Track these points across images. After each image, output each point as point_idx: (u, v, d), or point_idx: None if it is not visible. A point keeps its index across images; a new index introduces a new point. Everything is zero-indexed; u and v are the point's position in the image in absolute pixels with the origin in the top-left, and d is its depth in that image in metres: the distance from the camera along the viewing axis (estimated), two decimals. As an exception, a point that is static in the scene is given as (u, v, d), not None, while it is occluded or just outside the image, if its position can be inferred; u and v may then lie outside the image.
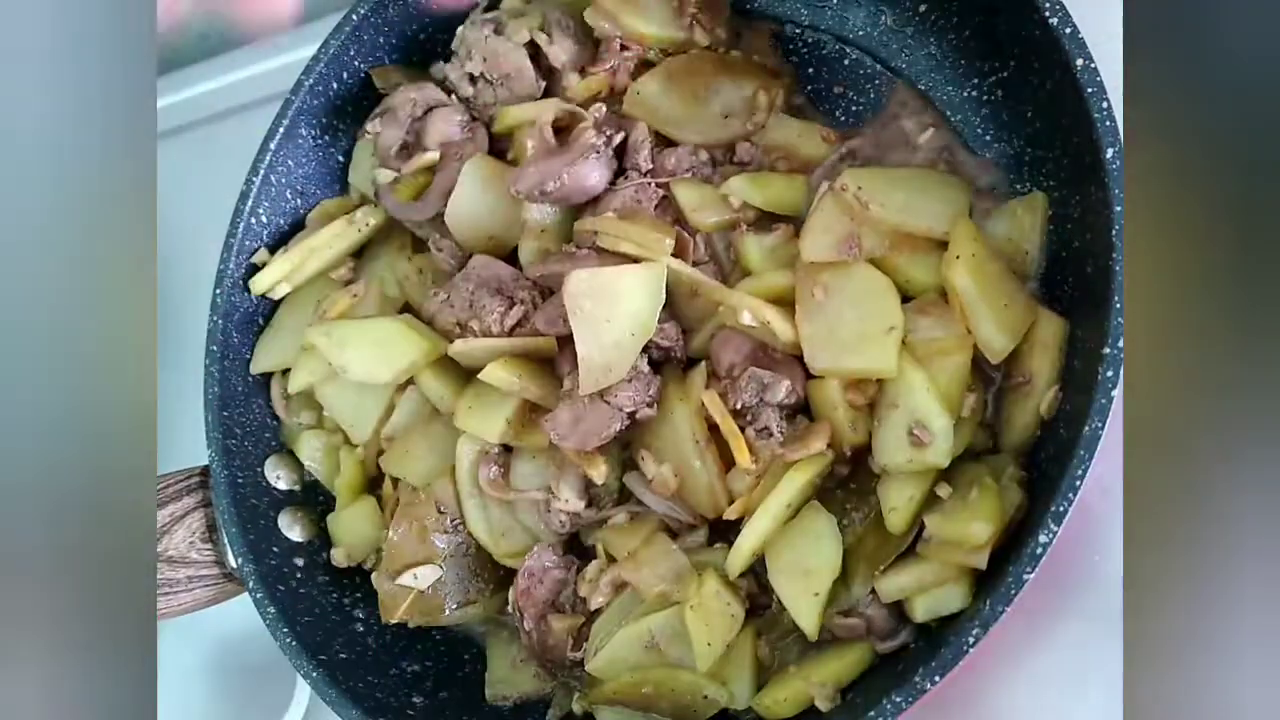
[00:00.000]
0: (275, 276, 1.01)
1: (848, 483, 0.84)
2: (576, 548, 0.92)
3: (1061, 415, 0.77)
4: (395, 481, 0.97)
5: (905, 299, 0.82)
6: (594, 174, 0.91)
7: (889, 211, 0.83)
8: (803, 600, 0.80)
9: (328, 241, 1.01)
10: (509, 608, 0.91)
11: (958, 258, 0.80)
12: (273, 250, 1.03)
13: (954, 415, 0.78)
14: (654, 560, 0.84)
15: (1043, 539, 0.70)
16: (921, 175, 0.88)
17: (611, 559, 0.88)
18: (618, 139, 0.92)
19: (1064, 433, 0.75)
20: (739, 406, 0.83)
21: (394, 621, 0.93)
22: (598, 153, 0.91)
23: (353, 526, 0.99)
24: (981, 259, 0.80)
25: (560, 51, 0.99)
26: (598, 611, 0.87)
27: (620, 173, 0.93)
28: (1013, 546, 0.75)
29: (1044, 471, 0.77)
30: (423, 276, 0.99)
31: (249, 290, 1.02)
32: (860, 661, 0.80)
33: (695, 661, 0.81)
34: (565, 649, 0.88)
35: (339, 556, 0.99)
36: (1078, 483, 0.70)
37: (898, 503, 0.79)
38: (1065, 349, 0.79)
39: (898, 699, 0.72)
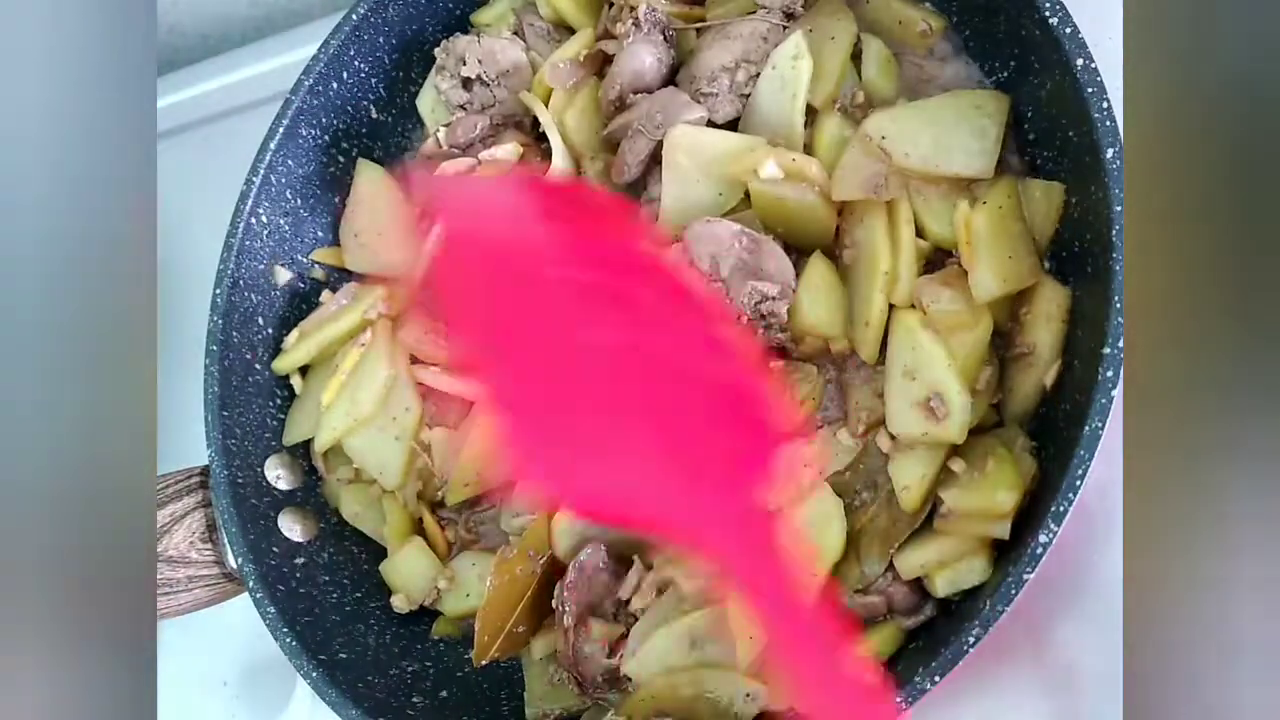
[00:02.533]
0: (297, 361, 1.04)
1: (857, 464, 0.84)
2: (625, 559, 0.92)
3: (1062, 415, 0.77)
4: (438, 518, 0.99)
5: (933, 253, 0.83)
6: (642, 55, 0.91)
7: (914, 160, 0.82)
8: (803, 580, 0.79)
9: (343, 330, 1.02)
10: (553, 602, 0.90)
11: (984, 203, 0.80)
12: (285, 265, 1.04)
13: (970, 390, 0.78)
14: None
15: (1043, 539, 0.70)
16: (952, 104, 0.85)
17: (648, 566, 0.87)
18: (655, 15, 0.92)
19: (1064, 432, 0.75)
20: (742, 320, 0.83)
21: (484, 663, 0.91)
22: (630, 36, 0.91)
23: (408, 569, 0.99)
24: (1006, 213, 0.80)
25: (537, 55, 1.02)
26: (637, 621, 0.87)
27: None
28: (1015, 545, 0.75)
29: (1045, 470, 0.77)
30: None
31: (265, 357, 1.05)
32: (894, 636, 0.80)
33: (737, 658, 0.81)
34: (600, 657, 0.87)
35: (399, 603, 0.99)
36: (1078, 483, 0.70)
37: (910, 480, 0.79)
38: (1069, 321, 0.79)
39: (898, 699, 0.72)
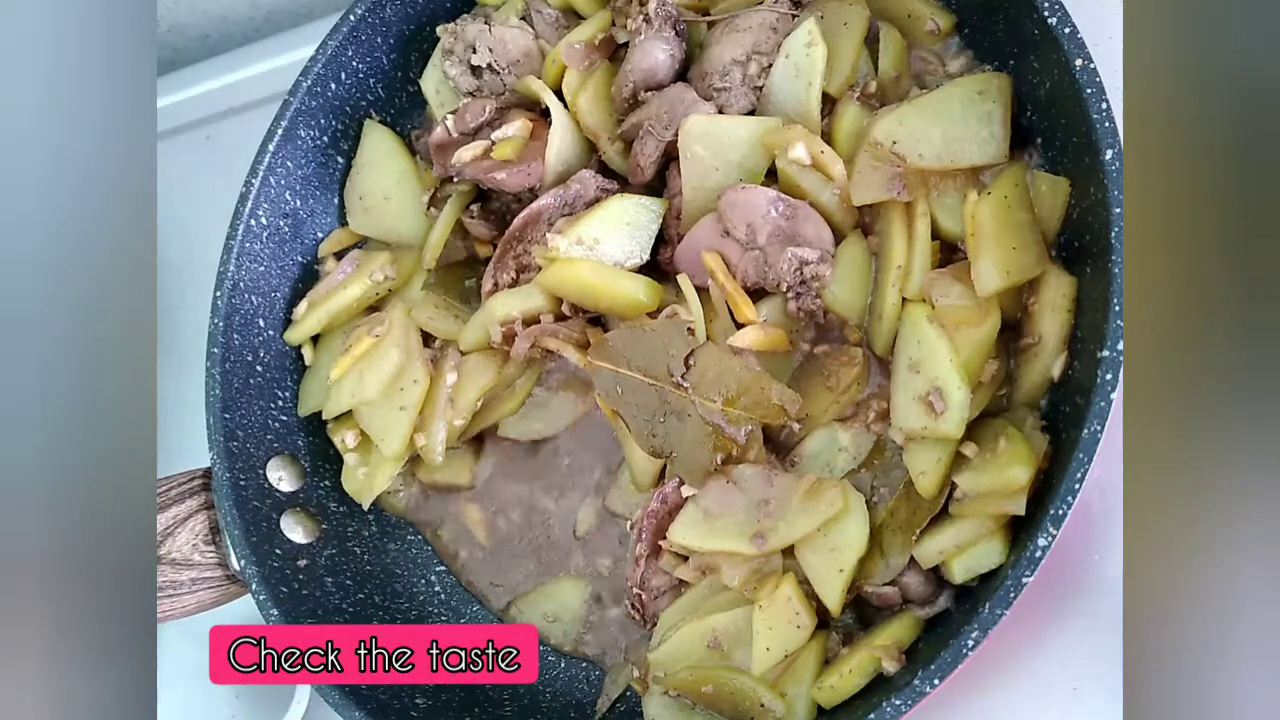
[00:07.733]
0: (307, 332, 1.04)
1: (870, 461, 0.84)
2: None
3: (1062, 417, 0.77)
4: None
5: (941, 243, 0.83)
6: (655, 52, 0.91)
7: (929, 160, 0.82)
8: (829, 577, 0.80)
9: (353, 298, 1.02)
10: (630, 525, 0.91)
11: (989, 194, 0.80)
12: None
13: (972, 386, 0.78)
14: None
15: (1041, 542, 0.70)
16: (955, 93, 0.84)
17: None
18: (666, 10, 0.92)
19: (1064, 435, 0.75)
20: (782, 287, 0.84)
21: None
22: (641, 33, 0.91)
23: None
24: (1012, 202, 0.80)
25: (545, 42, 1.01)
26: (684, 585, 0.87)
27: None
28: (1015, 546, 0.75)
29: (1045, 472, 0.77)
30: (442, 310, 1.01)
31: (284, 340, 1.06)
32: (911, 625, 0.80)
33: (752, 665, 0.81)
34: (658, 592, 0.88)
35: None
36: (1076, 486, 0.70)
37: (926, 466, 0.79)
38: (1075, 311, 0.79)
39: (898, 702, 0.72)
